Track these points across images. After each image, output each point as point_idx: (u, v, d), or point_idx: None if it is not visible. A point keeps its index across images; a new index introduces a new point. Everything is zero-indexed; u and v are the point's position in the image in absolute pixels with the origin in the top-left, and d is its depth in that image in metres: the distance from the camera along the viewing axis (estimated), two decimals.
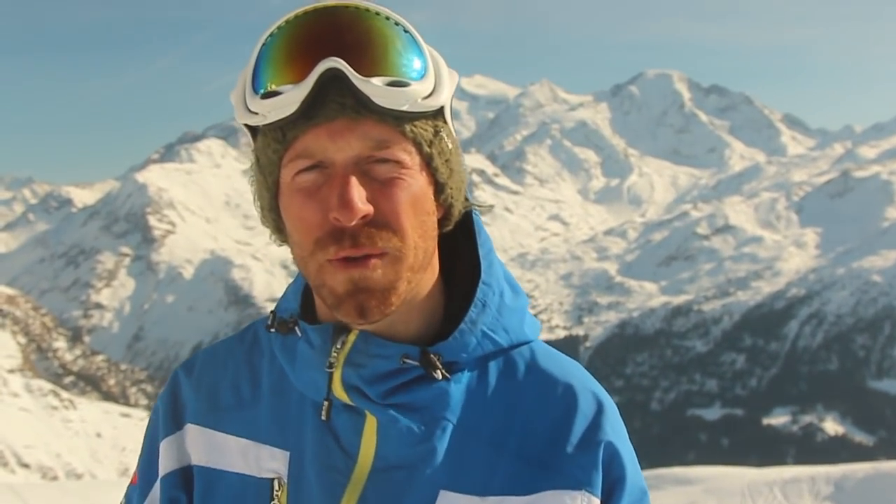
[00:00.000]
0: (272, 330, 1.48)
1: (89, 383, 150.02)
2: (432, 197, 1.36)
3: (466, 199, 1.45)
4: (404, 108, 1.27)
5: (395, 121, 1.28)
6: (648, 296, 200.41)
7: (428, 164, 1.33)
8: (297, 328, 1.44)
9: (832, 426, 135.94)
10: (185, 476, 1.53)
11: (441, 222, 1.40)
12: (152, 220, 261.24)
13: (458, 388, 1.40)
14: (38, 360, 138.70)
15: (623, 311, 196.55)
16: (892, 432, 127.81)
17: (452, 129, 1.39)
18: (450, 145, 1.36)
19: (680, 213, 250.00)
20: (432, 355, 1.36)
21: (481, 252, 1.47)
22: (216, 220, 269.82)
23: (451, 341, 1.38)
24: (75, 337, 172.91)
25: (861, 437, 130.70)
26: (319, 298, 1.38)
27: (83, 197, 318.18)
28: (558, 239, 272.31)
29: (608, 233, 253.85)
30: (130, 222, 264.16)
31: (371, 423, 1.40)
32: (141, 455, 1.62)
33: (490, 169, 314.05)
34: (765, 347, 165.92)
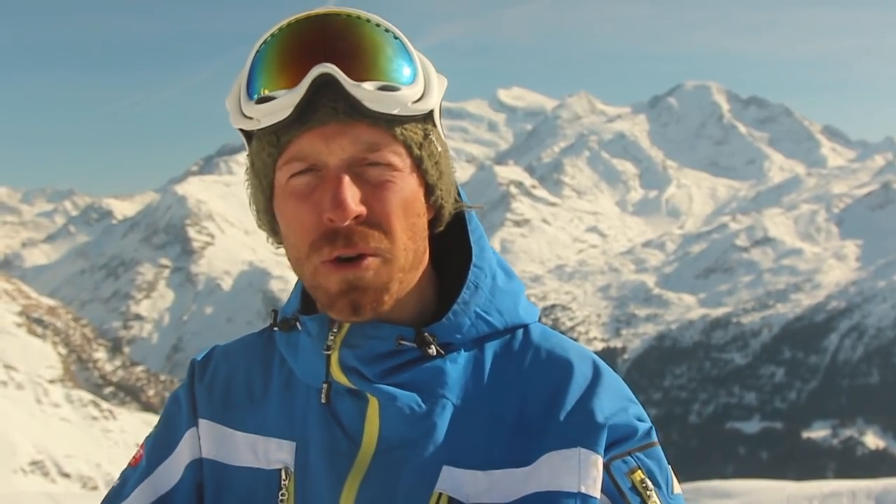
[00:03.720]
0: (275, 329, 1.52)
1: (129, 394, 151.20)
2: (423, 199, 1.39)
3: (457, 201, 1.48)
4: (395, 111, 1.30)
5: (387, 124, 1.32)
6: (687, 308, 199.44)
7: (418, 166, 1.37)
8: (297, 323, 1.48)
9: (873, 440, 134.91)
10: (203, 467, 1.56)
11: (433, 223, 1.44)
12: (191, 232, 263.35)
13: (455, 367, 1.43)
14: (79, 371, 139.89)
15: (661, 323, 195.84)
16: None
17: (442, 133, 1.43)
18: (439, 148, 1.40)
19: (719, 225, 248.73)
20: (427, 335, 1.39)
21: (472, 238, 1.50)
22: (255, 231, 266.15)
23: (444, 322, 1.42)
24: (115, 348, 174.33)
25: None
26: (314, 299, 1.39)
27: (123, 209, 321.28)
28: (596, 251, 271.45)
29: (646, 245, 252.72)
30: (170, 234, 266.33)
31: (373, 407, 1.42)
32: (150, 437, 1.64)
33: (528, 181, 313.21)
34: (805, 360, 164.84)
